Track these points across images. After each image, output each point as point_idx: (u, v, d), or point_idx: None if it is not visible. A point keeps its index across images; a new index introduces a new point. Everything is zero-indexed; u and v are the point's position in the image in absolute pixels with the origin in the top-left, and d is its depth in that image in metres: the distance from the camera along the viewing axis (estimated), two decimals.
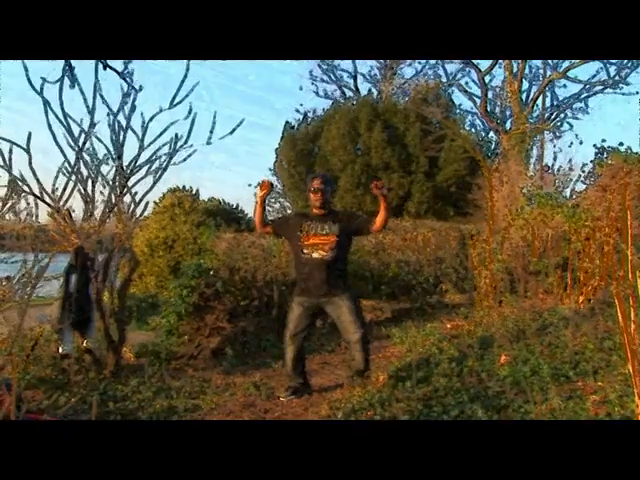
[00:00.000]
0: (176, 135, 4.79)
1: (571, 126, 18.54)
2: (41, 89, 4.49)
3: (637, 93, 16.22)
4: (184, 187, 12.31)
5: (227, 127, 4.98)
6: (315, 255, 4.20)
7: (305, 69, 41.33)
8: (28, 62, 4.41)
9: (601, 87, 17.63)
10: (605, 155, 8.05)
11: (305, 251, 4.24)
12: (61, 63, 4.43)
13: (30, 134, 4.35)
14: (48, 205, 4.60)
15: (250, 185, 23.07)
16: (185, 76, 4.78)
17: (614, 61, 16.49)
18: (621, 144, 7.82)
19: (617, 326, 4.46)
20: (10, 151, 4.31)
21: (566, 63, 17.75)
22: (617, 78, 16.74)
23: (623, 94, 17.12)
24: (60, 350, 4.75)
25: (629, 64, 16.22)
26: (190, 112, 4.79)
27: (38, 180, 4.50)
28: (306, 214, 4.49)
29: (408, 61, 22.64)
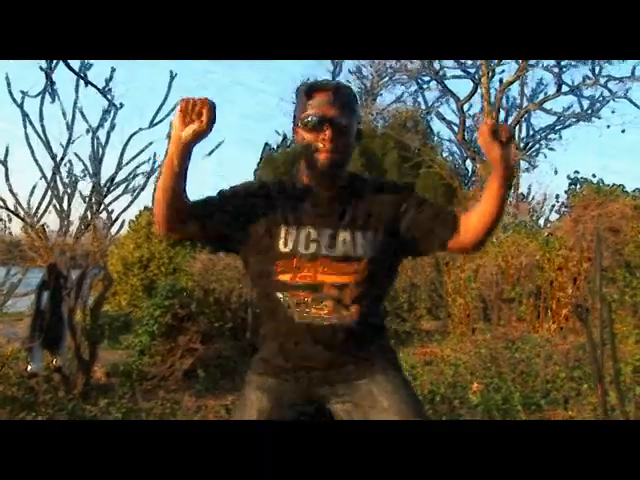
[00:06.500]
0: (154, 154, 4.80)
1: (545, 156, 18.88)
2: (22, 103, 4.48)
3: (608, 127, 16.56)
4: None
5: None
6: (320, 319, 1.62)
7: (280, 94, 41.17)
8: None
9: (575, 119, 18.01)
10: (578, 186, 8.21)
11: (291, 305, 1.63)
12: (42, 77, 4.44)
13: (8, 148, 4.32)
14: (22, 220, 4.55)
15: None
16: (166, 96, 4.81)
17: (587, 95, 16.92)
18: (594, 175, 7.99)
19: (587, 355, 4.54)
20: None
21: (541, 95, 18.14)
22: (590, 112, 17.12)
23: (595, 127, 17.52)
24: (28, 368, 4.65)
25: (600, 98, 16.63)
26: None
27: (14, 194, 4.47)
28: (292, 192, 1.75)
29: (388, 86, 22.79)
